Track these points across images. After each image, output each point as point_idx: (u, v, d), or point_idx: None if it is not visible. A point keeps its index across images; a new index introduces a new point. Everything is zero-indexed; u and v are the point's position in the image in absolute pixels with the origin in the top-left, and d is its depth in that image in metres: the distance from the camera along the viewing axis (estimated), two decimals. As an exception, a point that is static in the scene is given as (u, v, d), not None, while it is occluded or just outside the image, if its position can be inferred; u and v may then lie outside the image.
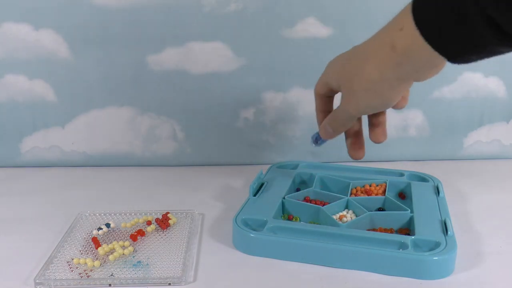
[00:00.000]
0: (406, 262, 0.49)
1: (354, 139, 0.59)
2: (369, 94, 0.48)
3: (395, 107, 0.52)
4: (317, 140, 0.60)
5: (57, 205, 0.66)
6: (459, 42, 0.39)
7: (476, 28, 0.37)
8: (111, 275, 0.49)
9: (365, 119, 0.57)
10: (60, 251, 0.53)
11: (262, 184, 0.65)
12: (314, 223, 0.57)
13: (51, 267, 0.50)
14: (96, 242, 0.55)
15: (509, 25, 0.35)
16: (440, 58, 0.41)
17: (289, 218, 0.59)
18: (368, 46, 0.48)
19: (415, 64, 0.44)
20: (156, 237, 0.57)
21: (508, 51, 0.38)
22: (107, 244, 0.54)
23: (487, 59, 0.41)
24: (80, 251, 0.54)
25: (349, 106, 0.51)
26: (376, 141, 0.58)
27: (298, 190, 0.67)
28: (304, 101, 0.78)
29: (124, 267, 0.51)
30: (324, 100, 0.57)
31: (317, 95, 0.57)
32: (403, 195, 0.66)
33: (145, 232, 0.57)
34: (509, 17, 0.35)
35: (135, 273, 0.50)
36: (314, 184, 0.66)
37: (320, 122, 0.58)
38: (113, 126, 0.78)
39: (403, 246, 0.51)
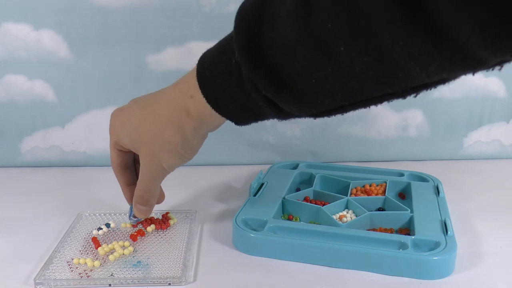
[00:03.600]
0: (406, 262, 0.49)
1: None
2: (172, 154, 0.49)
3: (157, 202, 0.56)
4: (135, 216, 0.57)
5: (57, 205, 0.66)
6: (243, 113, 0.44)
7: (257, 103, 0.41)
8: (111, 275, 0.49)
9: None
10: (60, 251, 0.53)
11: (262, 184, 0.65)
12: (314, 223, 0.57)
13: (51, 267, 0.50)
14: (96, 242, 0.55)
15: (282, 103, 0.40)
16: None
17: (289, 218, 0.59)
18: (161, 110, 0.49)
19: (210, 125, 0.48)
20: (156, 237, 0.57)
21: (287, 119, 0.43)
22: (107, 244, 0.54)
23: None
24: (80, 251, 0.54)
25: (151, 167, 0.51)
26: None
27: (298, 190, 0.67)
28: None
29: (124, 267, 0.51)
30: (124, 158, 0.55)
31: (116, 165, 0.55)
32: (403, 195, 0.66)
33: (145, 232, 0.57)
34: (280, 98, 0.39)
35: (135, 273, 0.50)
36: (314, 184, 0.66)
37: (126, 193, 0.57)
38: (113, 126, 0.78)
39: (403, 246, 0.51)
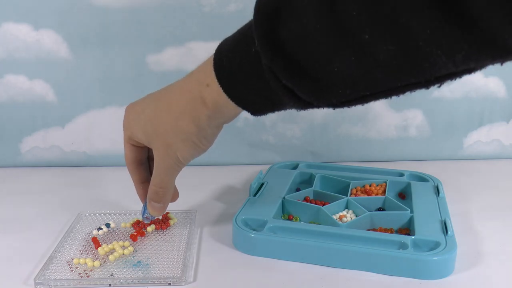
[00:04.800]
0: (406, 262, 0.49)
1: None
2: (186, 144, 0.48)
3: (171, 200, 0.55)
4: (149, 216, 0.56)
5: (57, 205, 0.66)
6: (261, 103, 0.43)
7: (276, 93, 0.40)
8: (111, 275, 0.49)
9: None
10: (60, 251, 0.53)
11: (262, 184, 0.65)
12: (314, 223, 0.57)
13: (51, 267, 0.50)
14: (96, 242, 0.55)
15: (301, 92, 0.39)
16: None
17: (289, 218, 0.59)
18: (176, 100, 0.48)
19: (225, 115, 0.47)
20: (156, 237, 0.57)
21: (305, 109, 0.42)
22: (107, 244, 0.54)
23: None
24: (80, 251, 0.54)
25: (166, 159, 0.50)
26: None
27: (298, 190, 0.67)
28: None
29: (124, 267, 0.51)
30: (139, 154, 0.54)
31: (130, 161, 0.54)
32: (403, 195, 0.66)
33: (145, 232, 0.57)
34: (300, 87, 0.38)
35: (135, 273, 0.50)
36: (314, 184, 0.66)
37: (139, 191, 0.56)
38: (113, 126, 0.78)
39: (403, 246, 0.51)
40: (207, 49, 0.75)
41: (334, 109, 0.41)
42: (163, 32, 0.74)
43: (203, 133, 0.48)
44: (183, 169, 0.71)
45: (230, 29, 0.75)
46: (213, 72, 0.44)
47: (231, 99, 0.44)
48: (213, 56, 0.45)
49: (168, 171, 0.51)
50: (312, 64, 0.37)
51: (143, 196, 0.56)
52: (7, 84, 0.76)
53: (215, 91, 0.44)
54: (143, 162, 0.55)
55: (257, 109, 0.45)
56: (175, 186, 0.55)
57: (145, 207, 0.56)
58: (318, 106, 0.41)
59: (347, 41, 0.34)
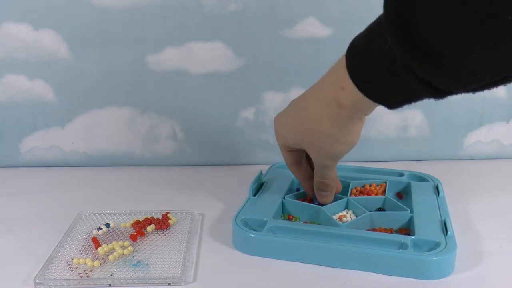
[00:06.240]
0: (406, 262, 0.49)
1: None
2: (334, 145, 0.51)
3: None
4: (320, 204, 0.60)
5: (57, 205, 0.66)
6: (397, 97, 0.44)
7: (412, 86, 0.40)
8: (111, 275, 0.49)
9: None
10: (60, 251, 0.53)
11: (262, 184, 0.65)
12: (314, 223, 0.57)
13: (51, 267, 0.50)
14: (96, 242, 0.55)
15: (439, 83, 0.38)
16: None
17: (289, 218, 0.59)
18: (314, 107, 0.50)
19: (364, 110, 0.48)
20: (156, 237, 0.57)
21: (443, 98, 0.41)
22: (107, 244, 0.54)
23: None
24: (80, 251, 0.54)
25: (320, 159, 0.54)
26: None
27: (298, 190, 0.67)
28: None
29: (124, 267, 0.51)
30: (296, 157, 0.58)
31: (290, 164, 0.59)
32: (401, 195, 0.66)
33: (145, 232, 0.57)
34: (437, 78, 0.37)
35: (135, 273, 0.50)
36: (314, 184, 0.66)
37: (306, 188, 0.61)
38: (113, 126, 0.78)
39: (403, 246, 0.51)
40: (207, 49, 0.76)
41: (473, 93, 0.40)
42: (163, 32, 0.74)
43: (345, 131, 0.49)
44: (183, 169, 0.71)
45: (230, 29, 0.76)
46: (347, 74, 0.44)
47: (367, 97, 0.44)
48: (344, 58, 0.45)
49: (325, 167, 0.55)
50: (449, 54, 0.35)
51: (311, 191, 0.60)
52: (7, 84, 0.76)
53: (350, 92, 0.45)
54: (302, 162, 0.58)
55: (393, 104, 0.45)
56: (338, 179, 0.59)
57: (315, 199, 0.60)
58: (457, 93, 0.40)
59: (488, 27, 0.33)
